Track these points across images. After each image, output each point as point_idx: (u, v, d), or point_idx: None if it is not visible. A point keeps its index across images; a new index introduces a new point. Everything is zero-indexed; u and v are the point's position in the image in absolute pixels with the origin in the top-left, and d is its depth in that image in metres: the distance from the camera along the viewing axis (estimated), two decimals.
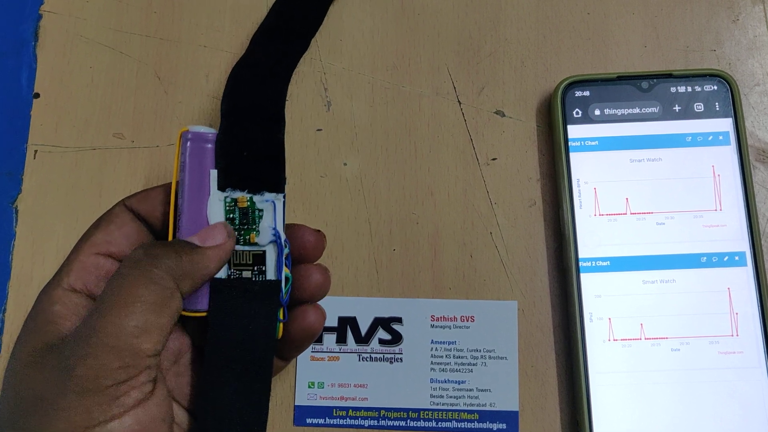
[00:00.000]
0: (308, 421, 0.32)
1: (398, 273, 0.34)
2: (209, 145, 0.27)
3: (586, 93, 0.34)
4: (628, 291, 0.32)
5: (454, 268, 0.34)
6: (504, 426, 0.32)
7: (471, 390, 0.32)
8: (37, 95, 0.36)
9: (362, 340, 0.33)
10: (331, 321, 0.33)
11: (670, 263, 0.32)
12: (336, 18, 0.36)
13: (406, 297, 0.33)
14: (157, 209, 0.28)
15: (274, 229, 0.27)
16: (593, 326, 0.32)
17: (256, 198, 0.27)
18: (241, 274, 0.27)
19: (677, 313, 0.32)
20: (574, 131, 0.33)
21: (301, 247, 0.28)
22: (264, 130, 0.28)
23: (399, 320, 0.33)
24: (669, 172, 0.33)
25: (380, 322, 0.33)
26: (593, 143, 0.33)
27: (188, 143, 0.27)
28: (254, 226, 0.27)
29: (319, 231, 0.29)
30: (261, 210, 0.27)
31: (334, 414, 0.32)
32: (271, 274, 0.27)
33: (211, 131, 0.28)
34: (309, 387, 0.33)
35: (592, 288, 0.32)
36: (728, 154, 0.33)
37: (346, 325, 0.33)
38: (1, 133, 0.36)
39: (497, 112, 0.35)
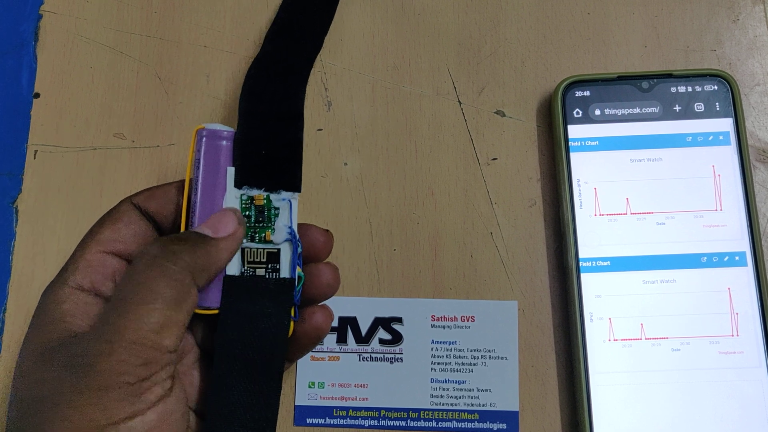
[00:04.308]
0: (308, 421, 0.32)
1: (398, 273, 0.34)
2: (224, 143, 0.27)
3: (587, 93, 0.34)
4: (628, 291, 0.32)
5: (454, 268, 0.34)
6: (504, 426, 0.32)
7: (471, 390, 0.32)
8: (37, 95, 0.36)
9: (363, 340, 0.33)
10: None
11: (670, 263, 0.32)
12: (336, 18, 0.36)
13: (407, 297, 0.33)
14: (166, 207, 0.28)
15: (290, 227, 0.27)
16: (593, 326, 0.32)
17: (273, 196, 0.28)
18: (255, 271, 0.27)
19: (677, 313, 0.32)
20: (575, 131, 0.33)
21: (311, 247, 0.28)
22: (283, 129, 0.28)
23: (399, 320, 0.33)
24: (669, 172, 0.33)
25: (380, 322, 0.33)
26: (593, 143, 0.33)
27: (204, 140, 0.27)
28: (270, 224, 0.27)
29: (327, 231, 0.29)
30: (277, 208, 0.27)
31: (335, 414, 0.32)
32: (285, 272, 0.27)
33: (226, 129, 0.28)
34: (309, 387, 0.33)
35: (593, 288, 0.32)
36: (728, 154, 0.33)
37: (347, 325, 0.33)
38: (1, 133, 0.36)
39: (497, 112, 0.35)
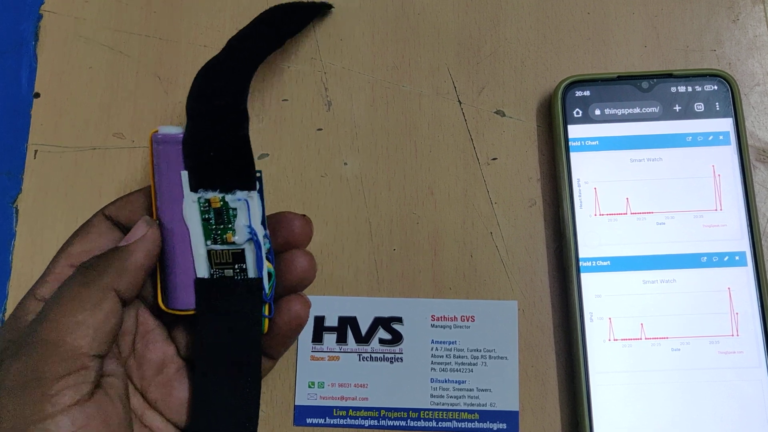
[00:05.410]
0: (308, 421, 0.32)
1: (398, 273, 0.34)
2: (172, 146, 0.27)
3: (587, 93, 0.34)
4: (628, 291, 0.32)
5: (454, 268, 0.34)
6: (504, 426, 0.32)
7: (471, 390, 0.32)
8: (37, 95, 0.36)
9: (362, 339, 0.33)
10: (332, 321, 0.33)
11: (670, 263, 0.32)
12: (336, 18, 0.36)
13: (407, 297, 0.33)
14: (136, 214, 0.28)
15: (250, 227, 0.27)
16: (593, 326, 0.32)
17: (228, 197, 0.27)
18: (223, 272, 0.27)
19: (677, 313, 0.32)
20: (575, 131, 0.33)
21: (288, 235, 0.28)
22: (228, 128, 0.27)
23: (399, 320, 0.33)
24: (669, 172, 0.33)
25: (380, 322, 0.33)
26: (593, 143, 0.33)
27: (158, 146, 0.27)
28: (230, 226, 0.27)
29: (304, 216, 0.29)
30: (235, 209, 0.27)
31: (335, 414, 0.32)
32: (251, 273, 0.27)
33: (182, 131, 0.27)
34: (309, 387, 0.33)
35: (593, 288, 0.32)
36: (728, 154, 0.33)
37: (347, 325, 0.33)
38: (1, 133, 0.36)
39: (497, 112, 0.35)
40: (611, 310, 0.32)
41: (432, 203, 0.34)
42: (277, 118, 0.35)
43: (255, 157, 0.35)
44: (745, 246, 0.32)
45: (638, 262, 0.32)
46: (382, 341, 0.33)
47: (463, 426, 0.32)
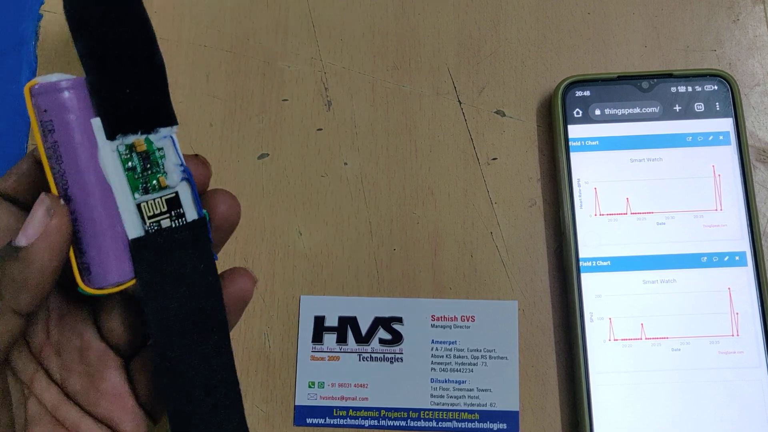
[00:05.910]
0: (308, 421, 0.32)
1: (398, 273, 0.34)
2: (67, 93, 0.23)
3: (587, 93, 0.34)
4: (628, 291, 0.32)
5: (454, 268, 0.34)
6: (504, 426, 0.32)
7: (471, 390, 0.32)
8: None
9: (362, 339, 0.33)
10: (332, 321, 0.33)
11: (670, 263, 0.32)
12: (336, 18, 0.36)
13: (407, 297, 0.33)
14: (20, 183, 0.24)
15: (182, 164, 0.24)
16: (593, 326, 0.32)
17: (153, 137, 0.24)
18: (160, 224, 0.24)
19: (678, 313, 0.32)
20: (575, 131, 0.33)
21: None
22: (139, 58, 0.24)
23: (399, 320, 0.33)
24: (669, 172, 0.33)
25: (380, 322, 0.33)
26: (593, 143, 0.33)
27: (41, 97, 0.23)
28: (160, 169, 0.24)
29: (197, 156, 0.26)
30: (161, 149, 0.24)
31: (335, 414, 0.32)
32: (192, 214, 0.24)
33: (66, 77, 0.23)
34: (309, 387, 0.33)
35: (593, 288, 0.32)
36: (728, 154, 0.33)
37: (347, 325, 0.33)
38: (1, 132, 0.36)
39: (497, 112, 0.35)
40: (611, 310, 0.32)
41: (432, 203, 0.34)
42: (277, 118, 0.35)
43: (255, 156, 0.35)
44: (745, 246, 0.32)
45: (638, 262, 0.32)
46: (382, 341, 0.33)
47: (463, 426, 0.32)
